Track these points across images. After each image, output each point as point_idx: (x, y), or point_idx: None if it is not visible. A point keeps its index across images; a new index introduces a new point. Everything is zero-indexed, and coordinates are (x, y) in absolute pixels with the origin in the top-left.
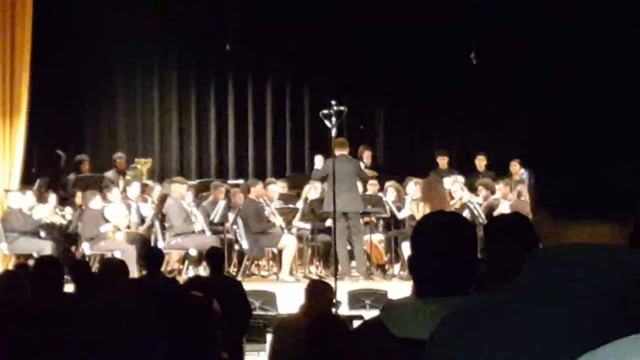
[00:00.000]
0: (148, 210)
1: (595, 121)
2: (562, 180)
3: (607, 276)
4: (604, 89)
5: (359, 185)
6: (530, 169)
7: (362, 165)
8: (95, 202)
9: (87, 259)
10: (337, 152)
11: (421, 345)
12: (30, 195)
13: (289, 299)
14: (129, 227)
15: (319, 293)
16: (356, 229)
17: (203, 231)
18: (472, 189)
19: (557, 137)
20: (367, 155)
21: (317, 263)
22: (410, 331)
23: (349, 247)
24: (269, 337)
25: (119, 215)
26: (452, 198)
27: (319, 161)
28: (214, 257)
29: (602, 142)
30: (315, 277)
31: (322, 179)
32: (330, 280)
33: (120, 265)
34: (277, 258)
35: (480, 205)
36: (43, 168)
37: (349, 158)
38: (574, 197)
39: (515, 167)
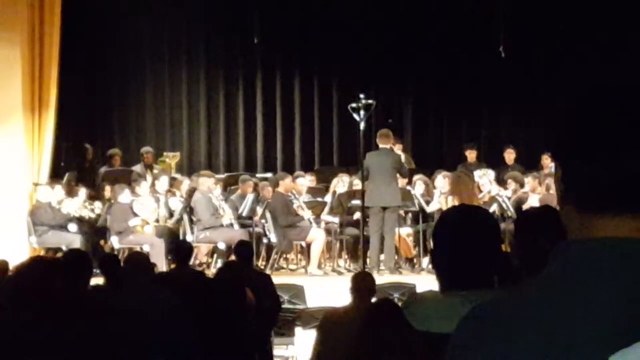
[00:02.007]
0: (176, 204)
1: (623, 113)
2: (588, 173)
3: (633, 270)
4: (633, 80)
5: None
6: (557, 161)
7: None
8: (124, 196)
9: (115, 252)
10: (380, 145)
11: (442, 338)
12: (59, 189)
13: (318, 292)
14: (157, 220)
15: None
16: (390, 224)
17: (231, 225)
18: (501, 182)
19: (583, 129)
20: (396, 149)
21: (346, 256)
22: (431, 325)
23: None
24: (298, 330)
25: (147, 209)
26: (481, 191)
27: None
28: (243, 250)
29: (629, 134)
30: (344, 270)
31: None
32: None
33: (144, 260)
34: (306, 251)
35: (509, 198)
36: (72, 162)
37: (389, 151)
38: (600, 190)
39: (546, 160)
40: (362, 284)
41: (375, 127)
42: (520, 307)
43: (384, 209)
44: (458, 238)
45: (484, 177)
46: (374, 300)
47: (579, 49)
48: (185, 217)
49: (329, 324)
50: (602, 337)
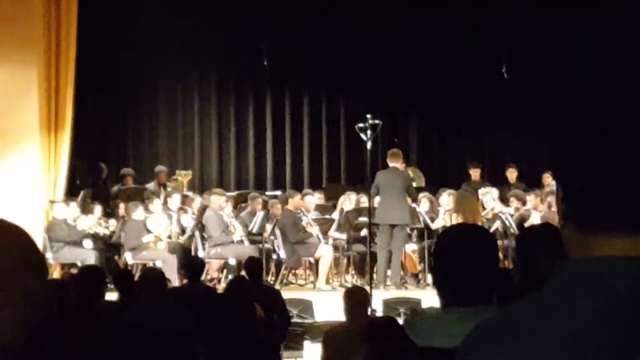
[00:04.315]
0: (188, 221)
1: (621, 133)
2: (588, 193)
3: (631, 288)
4: (632, 99)
5: None
6: (558, 181)
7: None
8: (138, 213)
9: (129, 268)
10: (390, 164)
11: (442, 354)
12: (74, 207)
13: (326, 307)
14: (170, 237)
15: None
16: (398, 241)
17: (242, 241)
18: (504, 200)
19: (583, 149)
20: (400, 167)
21: (353, 272)
22: (431, 340)
23: None
24: (306, 344)
25: (160, 226)
26: (484, 209)
27: None
28: (253, 266)
29: (628, 154)
30: (350, 286)
31: (377, 192)
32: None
33: (159, 276)
34: (314, 267)
35: (511, 216)
36: (87, 180)
37: (399, 170)
38: (601, 210)
39: (547, 179)
40: (356, 298)
41: (381, 146)
42: (522, 323)
43: (393, 226)
44: (457, 256)
45: (487, 195)
46: (376, 315)
47: (580, 70)
48: (197, 233)
49: (332, 338)
50: (599, 355)
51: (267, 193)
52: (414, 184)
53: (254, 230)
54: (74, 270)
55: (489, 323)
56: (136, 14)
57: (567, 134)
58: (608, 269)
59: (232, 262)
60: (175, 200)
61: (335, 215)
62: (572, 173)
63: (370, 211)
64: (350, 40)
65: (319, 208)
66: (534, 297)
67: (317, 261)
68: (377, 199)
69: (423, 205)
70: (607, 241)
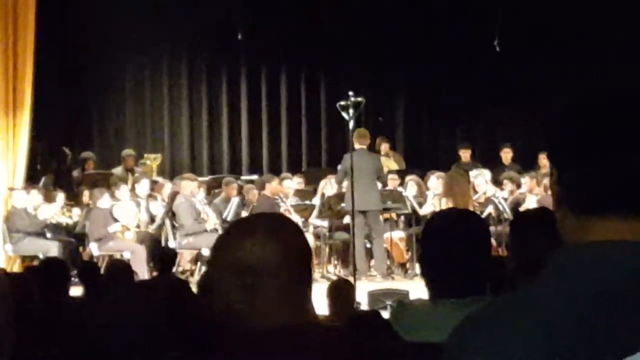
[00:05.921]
0: (158, 209)
1: (618, 116)
2: (584, 176)
3: (630, 273)
4: (630, 80)
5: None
6: (553, 164)
7: (383, 159)
8: (104, 200)
9: (95, 259)
10: (357, 145)
11: (431, 348)
12: (35, 194)
13: None
14: (138, 226)
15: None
16: (376, 227)
17: (215, 230)
18: (497, 183)
19: (578, 132)
20: (384, 147)
21: (336, 262)
22: (420, 335)
23: (368, 246)
24: None
25: (128, 214)
26: (476, 192)
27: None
28: None
29: (624, 137)
30: (334, 277)
31: (344, 176)
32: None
33: (126, 268)
34: None
35: (505, 200)
36: (48, 165)
37: (369, 152)
38: (596, 193)
39: (543, 159)
40: (340, 292)
41: (365, 126)
42: (517, 312)
43: (363, 212)
44: (447, 244)
45: (480, 177)
46: (360, 309)
47: (577, 44)
48: (167, 222)
49: None
50: (599, 341)
51: (243, 178)
52: (396, 167)
53: (229, 218)
54: (35, 263)
55: (479, 315)
56: None
57: (564, 116)
58: (605, 254)
59: (206, 252)
60: (143, 187)
61: (316, 200)
62: (568, 155)
63: (353, 196)
64: (330, 12)
65: (298, 193)
66: (529, 285)
67: None
68: (345, 184)
69: (410, 189)
70: (603, 225)
